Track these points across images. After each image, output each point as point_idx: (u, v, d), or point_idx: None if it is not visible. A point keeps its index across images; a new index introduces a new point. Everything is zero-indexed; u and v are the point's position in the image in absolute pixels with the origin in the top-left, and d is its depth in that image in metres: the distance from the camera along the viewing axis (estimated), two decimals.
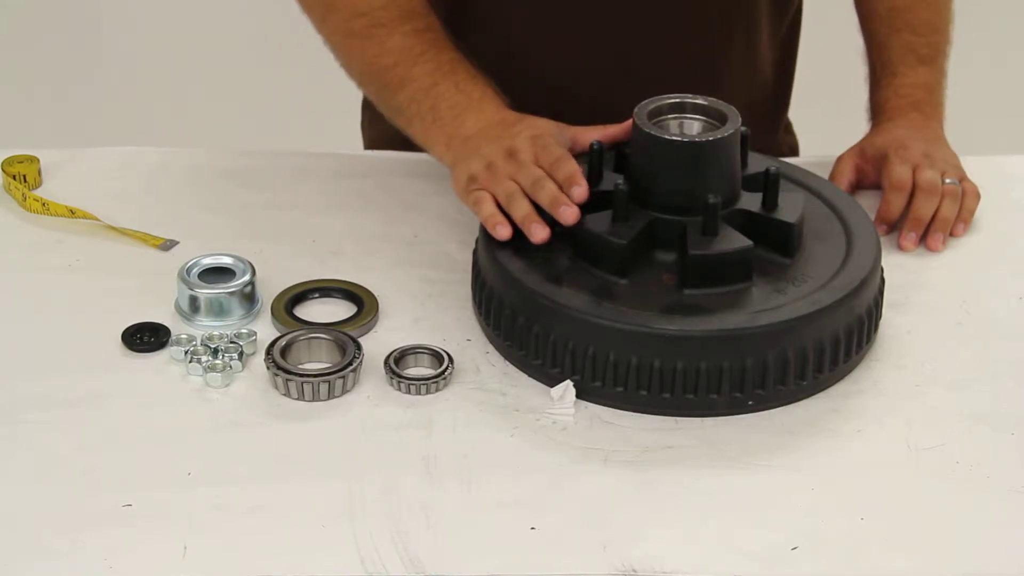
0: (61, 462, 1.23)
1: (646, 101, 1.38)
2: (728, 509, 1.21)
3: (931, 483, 1.24)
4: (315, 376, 1.30)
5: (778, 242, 1.36)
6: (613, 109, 1.44)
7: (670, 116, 1.39)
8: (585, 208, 1.36)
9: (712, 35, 1.62)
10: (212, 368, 1.32)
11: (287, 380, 1.30)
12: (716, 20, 1.61)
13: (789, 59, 1.76)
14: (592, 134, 1.43)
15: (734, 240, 1.33)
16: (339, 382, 1.30)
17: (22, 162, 1.58)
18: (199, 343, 1.35)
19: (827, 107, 2.07)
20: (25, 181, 1.58)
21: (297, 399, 1.30)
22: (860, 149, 1.61)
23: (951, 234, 1.54)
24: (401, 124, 1.52)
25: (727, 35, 1.63)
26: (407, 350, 1.34)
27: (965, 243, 1.54)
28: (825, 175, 1.56)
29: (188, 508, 1.19)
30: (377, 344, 1.36)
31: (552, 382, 1.31)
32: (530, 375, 1.33)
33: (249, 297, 1.41)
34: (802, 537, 1.18)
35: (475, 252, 1.41)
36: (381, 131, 1.70)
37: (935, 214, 1.53)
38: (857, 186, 1.60)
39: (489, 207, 1.38)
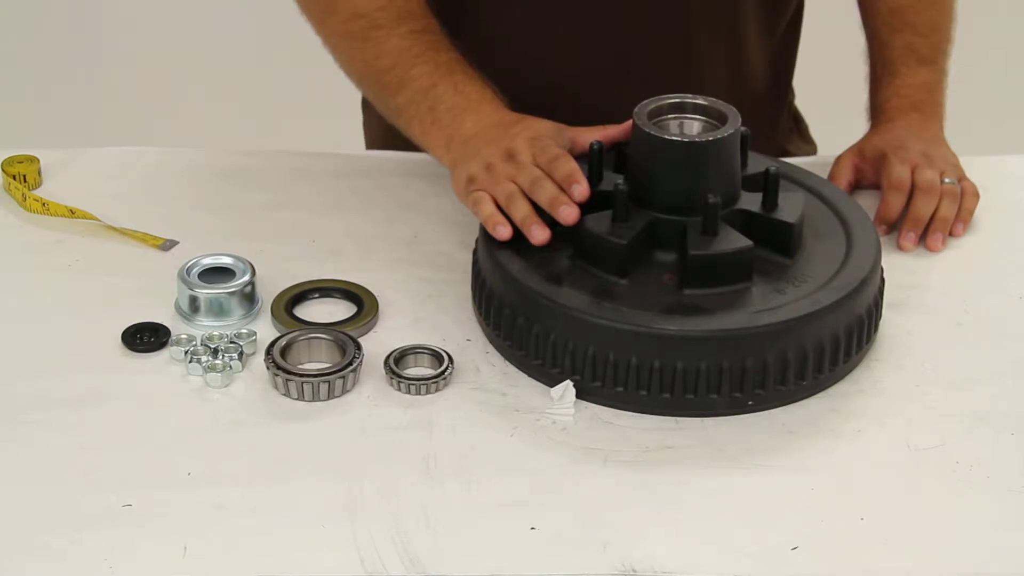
0: (61, 462, 1.23)
1: (646, 101, 1.38)
2: (728, 509, 1.21)
3: (931, 483, 1.24)
4: (315, 376, 1.30)
5: (778, 242, 1.36)
6: (613, 109, 1.44)
7: (670, 116, 1.39)
8: (585, 208, 1.36)
9: (695, 33, 1.61)
10: (212, 368, 1.32)
11: (287, 380, 1.30)
12: (696, 19, 1.60)
13: (787, 60, 1.75)
14: (592, 134, 1.43)
15: (734, 240, 1.33)
16: (339, 382, 1.30)
17: (22, 162, 1.58)
18: (199, 343, 1.35)
19: (827, 107, 2.07)
20: (25, 181, 1.58)
21: (297, 399, 1.30)
22: (859, 149, 1.61)
23: (950, 234, 1.53)
24: (401, 125, 1.52)
25: (713, 35, 1.62)
26: (407, 350, 1.34)
27: (965, 243, 1.54)
28: (825, 175, 1.56)
29: (188, 508, 1.19)
30: (377, 344, 1.36)
31: (552, 382, 1.31)
32: (530, 375, 1.33)
33: (249, 297, 1.40)
34: (802, 537, 1.18)
35: (475, 252, 1.41)
36: (380, 131, 1.69)
37: (934, 214, 1.53)
38: (856, 186, 1.60)
39: (488, 207, 1.38)
